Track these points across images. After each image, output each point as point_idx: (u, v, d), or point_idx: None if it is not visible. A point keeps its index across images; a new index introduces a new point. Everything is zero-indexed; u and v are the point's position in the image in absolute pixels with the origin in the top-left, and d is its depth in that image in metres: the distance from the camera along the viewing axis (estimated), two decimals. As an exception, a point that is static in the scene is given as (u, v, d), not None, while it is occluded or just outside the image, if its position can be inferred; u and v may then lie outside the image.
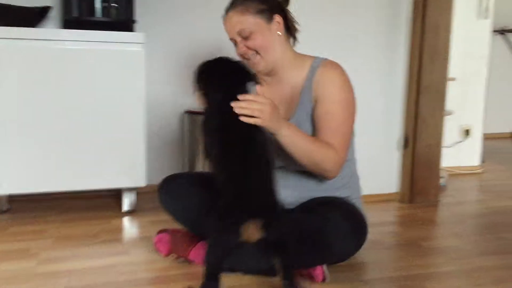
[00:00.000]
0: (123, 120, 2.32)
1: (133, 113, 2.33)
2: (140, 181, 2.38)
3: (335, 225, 1.59)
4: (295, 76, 1.72)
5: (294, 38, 1.77)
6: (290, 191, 1.74)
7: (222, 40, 2.92)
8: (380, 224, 2.36)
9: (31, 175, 2.24)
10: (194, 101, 2.89)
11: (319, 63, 1.71)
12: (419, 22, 2.62)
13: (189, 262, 1.81)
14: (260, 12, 1.64)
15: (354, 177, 1.86)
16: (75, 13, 2.32)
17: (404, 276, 1.78)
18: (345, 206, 1.70)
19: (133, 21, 2.40)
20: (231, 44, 1.73)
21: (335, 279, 1.71)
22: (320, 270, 1.67)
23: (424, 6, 2.61)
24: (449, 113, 3.02)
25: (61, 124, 2.24)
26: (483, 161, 3.70)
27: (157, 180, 2.80)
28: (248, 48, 1.66)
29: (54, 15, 2.55)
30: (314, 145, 1.57)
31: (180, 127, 2.92)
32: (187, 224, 1.86)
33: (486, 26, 3.50)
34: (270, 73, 1.74)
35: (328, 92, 1.65)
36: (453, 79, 3.16)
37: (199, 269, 1.74)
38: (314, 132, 1.67)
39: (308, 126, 1.69)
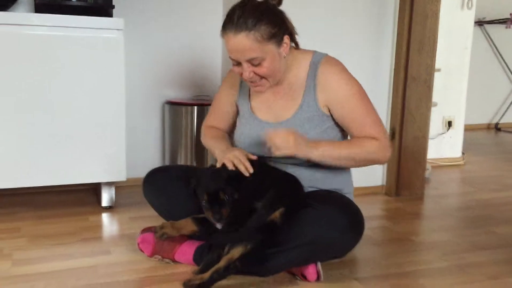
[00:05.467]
0: (101, 111, 2.20)
1: (112, 104, 2.21)
2: (121, 175, 2.26)
3: (333, 219, 1.52)
4: (293, 75, 1.68)
5: (296, 43, 1.70)
6: None
7: (204, 27, 2.83)
8: (369, 218, 2.30)
9: (2, 169, 2.10)
10: (174, 91, 2.81)
11: (319, 60, 1.66)
12: (407, 10, 2.56)
13: (174, 263, 1.72)
14: (272, 37, 1.53)
15: (345, 172, 1.80)
16: (48, -3, 2.18)
17: (398, 274, 1.73)
18: (340, 200, 1.65)
19: (111, 6, 2.27)
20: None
21: (328, 277, 1.66)
22: (313, 269, 1.61)
23: (412, -6, 2.55)
24: (434, 105, 2.98)
25: (34, 115, 2.10)
26: (463, 152, 3.70)
27: (137, 173, 2.71)
28: (256, 74, 1.58)
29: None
30: (352, 148, 1.62)
31: (160, 118, 2.81)
32: (172, 220, 1.75)
33: (469, 17, 3.47)
34: None
35: (340, 93, 1.63)
36: (438, 70, 3.12)
37: (185, 270, 1.67)
38: (320, 133, 1.65)
39: (308, 127, 1.65)
